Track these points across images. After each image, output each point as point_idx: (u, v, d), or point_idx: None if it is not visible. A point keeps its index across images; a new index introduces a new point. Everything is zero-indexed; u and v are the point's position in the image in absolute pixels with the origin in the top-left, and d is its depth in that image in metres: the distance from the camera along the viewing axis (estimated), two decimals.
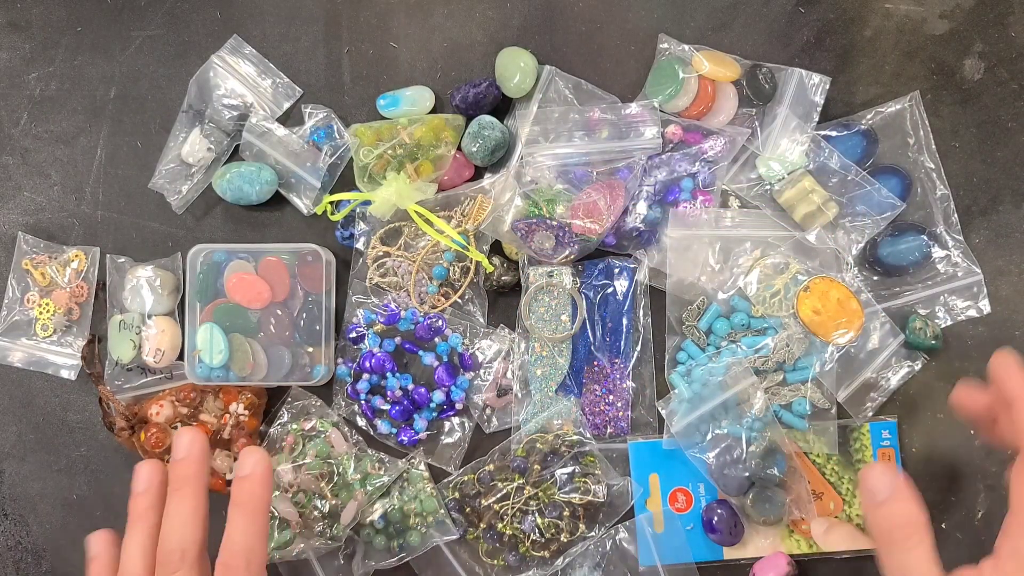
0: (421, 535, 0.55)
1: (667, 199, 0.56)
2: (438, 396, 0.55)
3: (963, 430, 0.57)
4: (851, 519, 0.56)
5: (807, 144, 0.55)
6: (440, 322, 0.55)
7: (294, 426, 0.55)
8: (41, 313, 0.57)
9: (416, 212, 0.55)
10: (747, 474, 0.53)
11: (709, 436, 0.54)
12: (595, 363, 0.56)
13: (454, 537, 0.55)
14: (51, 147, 0.60)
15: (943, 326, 0.56)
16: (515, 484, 0.54)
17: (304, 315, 0.56)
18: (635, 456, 0.56)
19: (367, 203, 0.56)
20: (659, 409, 0.56)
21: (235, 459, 0.55)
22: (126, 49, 0.60)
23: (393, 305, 0.55)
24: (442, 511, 0.55)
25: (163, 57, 0.60)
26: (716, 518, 0.54)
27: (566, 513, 0.54)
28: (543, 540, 0.54)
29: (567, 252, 0.54)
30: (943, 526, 0.56)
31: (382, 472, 0.55)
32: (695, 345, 0.56)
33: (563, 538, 0.54)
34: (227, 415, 0.55)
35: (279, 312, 0.56)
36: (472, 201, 0.56)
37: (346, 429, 0.57)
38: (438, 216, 0.56)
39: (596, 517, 0.55)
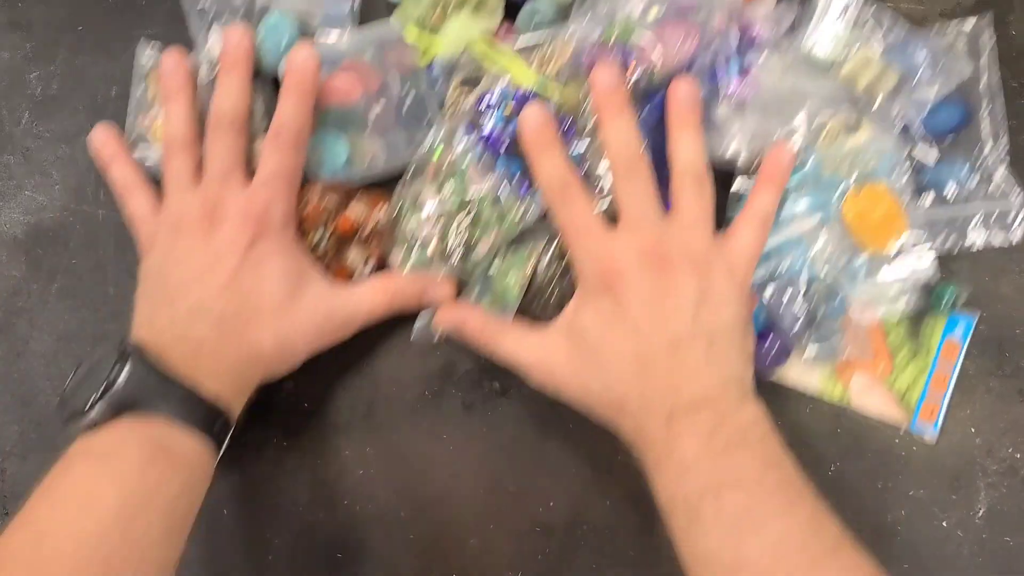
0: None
1: (713, 82, 0.56)
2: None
3: (963, 429, 0.57)
4: (892, 388, 0.56)
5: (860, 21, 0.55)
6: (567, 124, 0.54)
7: (440, 150, 0.55)
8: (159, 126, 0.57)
9: (484, 45, 0.54)
10: (807, 307, 0.53)
11: (770, 270, 0.54)
12: None
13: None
14: (52, 146, 0.60)
15: (973, 249, 0.56)
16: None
17: (406, 98, 0.57)
18: None
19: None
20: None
21: (368, 257, 0.56)
22: (128, 48, 0.60)
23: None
24: (512, 304, 0.55)
25: None
26: (766, 339, 0.54)
27: None
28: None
29: (629, 82, 0.54)
30: (943, 525, 0.56)
31: (518, 215, 0.54)
32: None
33: None
34: (373, 212, 0.56)
35: (380, 100, 0.56)
36: (551, 45, 0.55)
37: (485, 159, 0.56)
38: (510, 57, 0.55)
39: None
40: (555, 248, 0.54)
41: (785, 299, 0.53)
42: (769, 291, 0.54)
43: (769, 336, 0.55)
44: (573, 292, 0.53)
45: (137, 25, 0.60)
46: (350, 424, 0.59)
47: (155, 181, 0.56)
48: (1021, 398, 0.57)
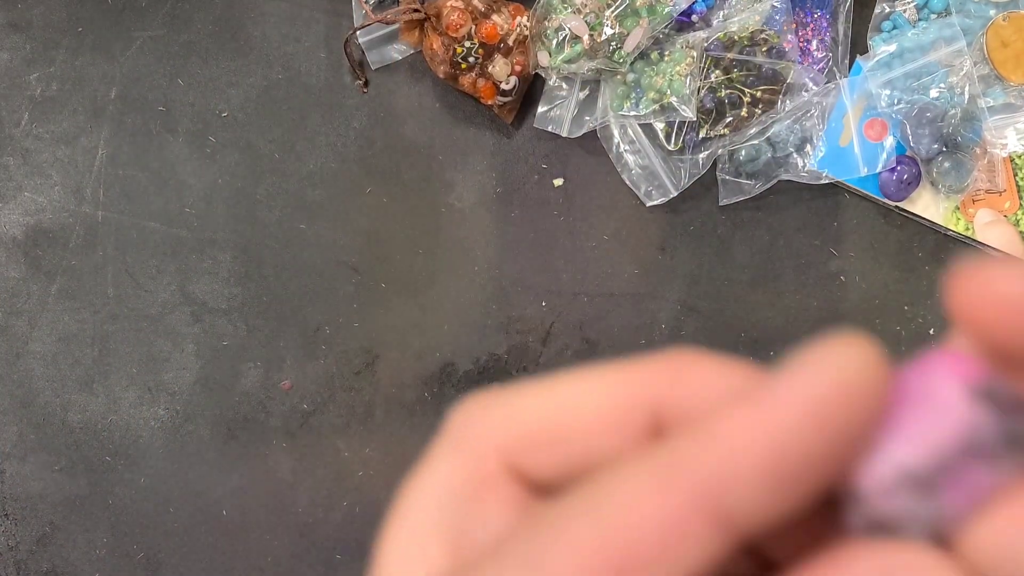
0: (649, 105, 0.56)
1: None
2: None
3: None
4: (1018, 224, 0.56)
5: None
6: None
7: None
8: None
9: None
10: (944, 131, 0.53)
11: (910, 93, 0.54)
12: (795, 9, 0.57)
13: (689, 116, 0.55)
14: (52, 147, 0.60)
15: None
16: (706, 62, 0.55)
17: None
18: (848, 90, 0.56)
19: None
20: (859, 63, 0.56)
21: (512, 68, 0.56)
22: (127, 50, 0.60)
23: None
24: (679, 97, 0.55)
25: (164, 57, 0.60)
26: (899, 164, 0.55)
27: (746, 99, 0.54)
28: (723, 117, 0.55)
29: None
30: None
31: (668, 5, 0.55)
32: (905, 18, 0.56)
33: (743, 113, 0.55)
34: (515, 22, 0.56)
35: None
36: None
37: None
38: None
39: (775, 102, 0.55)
40: (708, 61, 0.55)
41: (922, 123, 0.54)
42: (907, 114, 0.54)
43: (903, 160, 0.55)
44: (738, 102, 0.54)
45: (137, 26, 0.60)
46: (349, 425, 0.59)
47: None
48: None
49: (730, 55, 0.54)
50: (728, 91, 0.54)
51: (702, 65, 0.55)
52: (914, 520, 0.12)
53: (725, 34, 0.55)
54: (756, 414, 0.12)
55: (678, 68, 0.55)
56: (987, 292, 0.12)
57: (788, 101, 0.55)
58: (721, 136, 0.55)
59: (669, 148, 0.56)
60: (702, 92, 0.55)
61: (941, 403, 0.12)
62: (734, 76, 0.54)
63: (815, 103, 0.56)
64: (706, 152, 0.56)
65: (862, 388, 0.12)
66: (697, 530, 0.12)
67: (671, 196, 0.57)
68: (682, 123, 0.56)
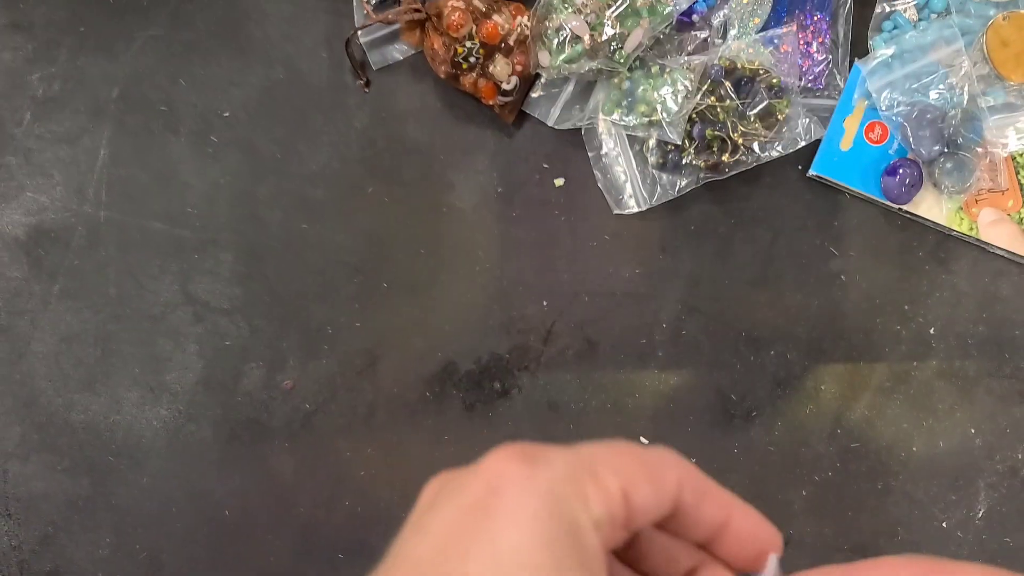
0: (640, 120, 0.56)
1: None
2: None
3: (963, 430, 0.57)
4: (1022, 223, 0.56)
5: None
6: None
7: None
8: None
9: None
10: (944, 132, 0.54)
11: (910, 95, 0.54)
12: (795, 12, 0.57)
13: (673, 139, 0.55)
14: (54, 147, 0.60)
15: None
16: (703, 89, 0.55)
17: None
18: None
19: None
20: (858, 66, 0.56)
21: (512, 68, 0.56)
22: (129, 49, 0.60)
23: None
24: (669, 117, 0.55)
25: (166, 57, 0.60)
26: (901, 167, 0.55)
27: (738, 139, 0.54)
28: (708, 150, 0.55)
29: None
30: (943, 526, 0.57)
31: (669, 6, 0.55)
32: (905, 18, 0.56)
33: (724, 158, 0.55)
34: (516, 22, 0.56)
35: None
36: None
37: None
38: None
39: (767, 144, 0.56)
40: (708, 84, 0.55)
41: (923, 124, 0.54)
42: (908, 116, 0.54)
43: (906, 163, 0.55)
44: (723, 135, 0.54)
45: (139, 26, 0.60)
46: (351, 425, 0.59)
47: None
48: (1021, 399, 0.57)
49: (728, 83, 0.54)
50: (718, 129, 0.54)
51: (700, 87, 0.55)
52: None
53: (728, 60, 0.55)
54: None
55: (676, 88, 0.55)
56: None
57: (778, 143, 0.55)
58: (699, 168, 0.55)
59: (650, 161, 0.56)
60: (693, 116, 0.55)
61: None
62: (727, 105, 0.54)
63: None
64: (684, 180, 0.56)
65: None
66: None
67: (640, 210, 0.57)
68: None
